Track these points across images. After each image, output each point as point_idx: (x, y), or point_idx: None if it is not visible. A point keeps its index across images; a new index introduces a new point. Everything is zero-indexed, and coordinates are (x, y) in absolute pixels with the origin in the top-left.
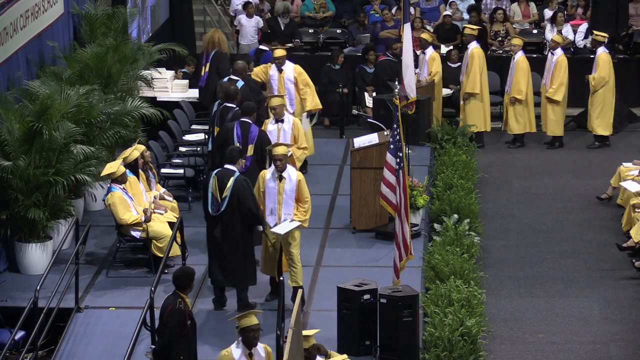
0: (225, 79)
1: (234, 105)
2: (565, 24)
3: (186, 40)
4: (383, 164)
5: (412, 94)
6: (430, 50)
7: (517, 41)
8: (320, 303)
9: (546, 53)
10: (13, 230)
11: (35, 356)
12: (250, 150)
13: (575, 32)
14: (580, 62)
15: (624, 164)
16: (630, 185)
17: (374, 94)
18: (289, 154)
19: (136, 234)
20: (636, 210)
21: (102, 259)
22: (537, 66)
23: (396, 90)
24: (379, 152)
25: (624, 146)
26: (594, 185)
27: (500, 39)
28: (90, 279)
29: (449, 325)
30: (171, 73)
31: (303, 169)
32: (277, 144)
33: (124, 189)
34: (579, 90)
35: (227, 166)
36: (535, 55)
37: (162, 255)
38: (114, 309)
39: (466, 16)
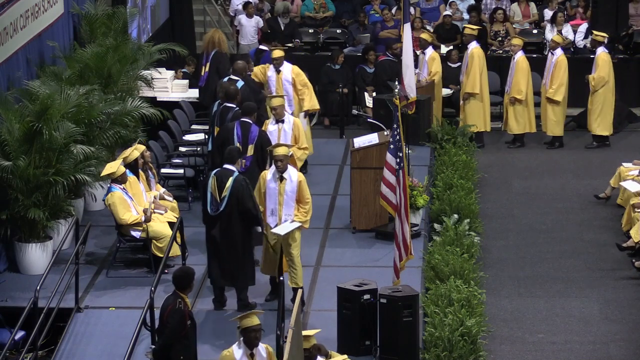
0: (225, 79)
1: (234, 105)
2: (565, 24)
3: (186, 40)
4: (383, 164)
5: (412, 94)
6: (429, 50)
7: (517, 41)
8: (320, 303)
9: (546, 53)
10: (13, 230)
11: (35, 356)
12: (250, 150)
13: (575, 32)
14: (580, 62)
15: (623, 164)
16: (630, 185)
17: (374, 94)
18: (290, 155)
19: (136, 234)
20: (636, 210)
21: (102, 259)
22: (537, 66)
23: (396, 90)
24: (379, 152)
25: (624, 146)
26: (594, 185)
27: (500, 39)
28: (90, 279)
29: (449, 325)
30: (171, 73)
31: (303, 169)
32: (278, 145)
33: (124, 189)
34: (579, 90)
35: (226, 166)
36: (535, 55)
37: (162, 255)
38: (114, 309)
39: (466, 16)
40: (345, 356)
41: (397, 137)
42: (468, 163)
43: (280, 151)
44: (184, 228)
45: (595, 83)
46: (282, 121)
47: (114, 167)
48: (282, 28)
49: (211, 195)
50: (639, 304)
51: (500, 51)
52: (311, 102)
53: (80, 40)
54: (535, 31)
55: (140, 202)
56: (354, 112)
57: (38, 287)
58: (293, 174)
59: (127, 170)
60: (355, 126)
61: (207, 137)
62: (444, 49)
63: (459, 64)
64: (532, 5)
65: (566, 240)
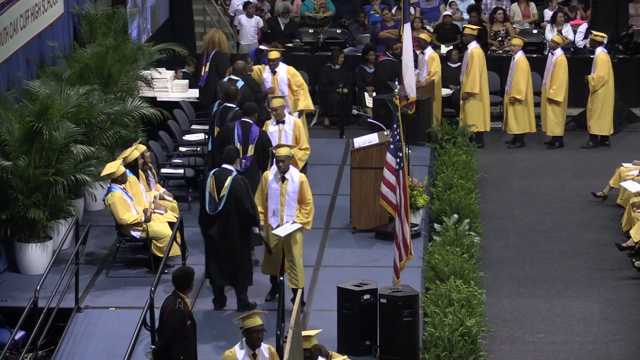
0: (225, 79)
1: (234, 105)
2: (565, 24)
3: (186, 40)
4: (383, 164)
5: (412, 94)
6: (429, 50)
7: (517, 41)
8: (320, 303)
9: (546, 53)
10: (13, 230)
11: (35, 356)
12: (251, 151)
13: (575, 32)
14: (580, 62)
15: (623, 164)
16: (630, 185)
17: (374, 94)
18: (291, 155)
19: (136, 234)
20: (636, 210)
21: (102, 259)
22: (537, 66)
23: (396, 90)
24: (379, 152)
25: (624, 146)
26: (594, 185)
27: (500, 39)
28: (90, 279)
29: (449, 325)
30: (171, 73)
31: (302, 169)
32: (280, 145)
33: (124, 189)
34: (579, 90)
35: (224, 166)
36: (535, 55)
37: (162, 255)
38: (114, 309)
39: (466, 16)
40: (346, 357)
41: (397, 137)
42: (468, 163)
43: (282, 152)
44: (184, 228)
45: (595, 83)
46: (283, 122)
47: (114, 167)
48: (282, 28)
49: (210, 195)
50: (639, 304)
51: (500, 51)
52: (306, 102)
53: (80, 40)
54: (535, 31)
55: (140, 202)
56: (354, 112)
57: (38, 287)
58: (295, 175)
59: (127, 170)
60: (355, 126)
61: (207, 137)
62: (444, 49)
63: (459, 64)
64: (532, 5)
65: (566, 240)
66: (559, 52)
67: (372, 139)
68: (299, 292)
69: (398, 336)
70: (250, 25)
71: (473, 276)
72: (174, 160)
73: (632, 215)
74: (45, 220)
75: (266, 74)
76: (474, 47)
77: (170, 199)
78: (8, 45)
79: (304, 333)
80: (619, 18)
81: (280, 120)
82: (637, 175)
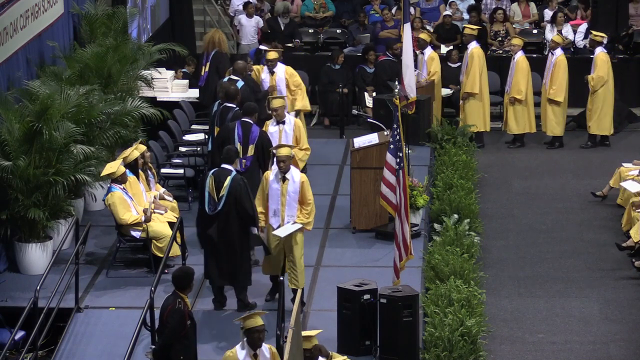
0: (225, 79)
1: (234, 105)
2: (565, 24)
3: (186, 40)
4: (383, 164)
5: (412, 94)
6: (428, 50)
7: (517, 41)
8: (320, 303)
9: (546, 53)
10: (13, 230)
11: (35, 356)
12: (251, 151)
13: (575, 32)
14: (580, 62)
15: (623, 164)
16: (630, 185)
17: (374, 94)
18: (292, 156)
19: (136, 234)
20: (636, 210)
21: (102, 259)
22: (537, 66)
23: (396, 90)
24: (379, 152)
25: (624, 146)
26: (594, 185)
27: (500, 39)
28: (90, 279)
29: (449, 325)
30: (171, 73)
31: (302, 169)
32: (281, 146)
33: (124, 189)
34: (579, 90)
35: (224, 166)
36: (535, 56)
37: (162, 255)
38: (114, 309)
39: (466, 16)
40: (346, 357)
41: (397, 137)
42: (468, 163)
43: (283, 152)
44: (184, 228)
45: (595, 83)
46: (283, 122)
47: (114, 167)
48: (282, 28)
49: (209, 195)
50: (639, 304)
51: (500, 51)
52: (303, 102)
53: (80, 40)
54: (535, 31)
55: (140, 202)
56: (354, 112)
57: (38, 287)
58: (295, 175)
59: (127, 170)
60: (355, 126)
61: (207, 137)
62: (444, 49)
63: (459, 64)
64: (532, 5)
65: (566, 240)
66: (559, 52)
67: (372, 139)
68: (299, 292)
69: (398, 336)
70: (250, 25)
71: (473, 276)
72: (174, 160)
73: (632, 215)
74: (45, 220)
75: (264, 74)
76: (474, 47)
77: (170, 199)
78: (8, 45)
79: (304, 333)
80: (619, 18)
81: (280, 121)
82: (637, 175)
